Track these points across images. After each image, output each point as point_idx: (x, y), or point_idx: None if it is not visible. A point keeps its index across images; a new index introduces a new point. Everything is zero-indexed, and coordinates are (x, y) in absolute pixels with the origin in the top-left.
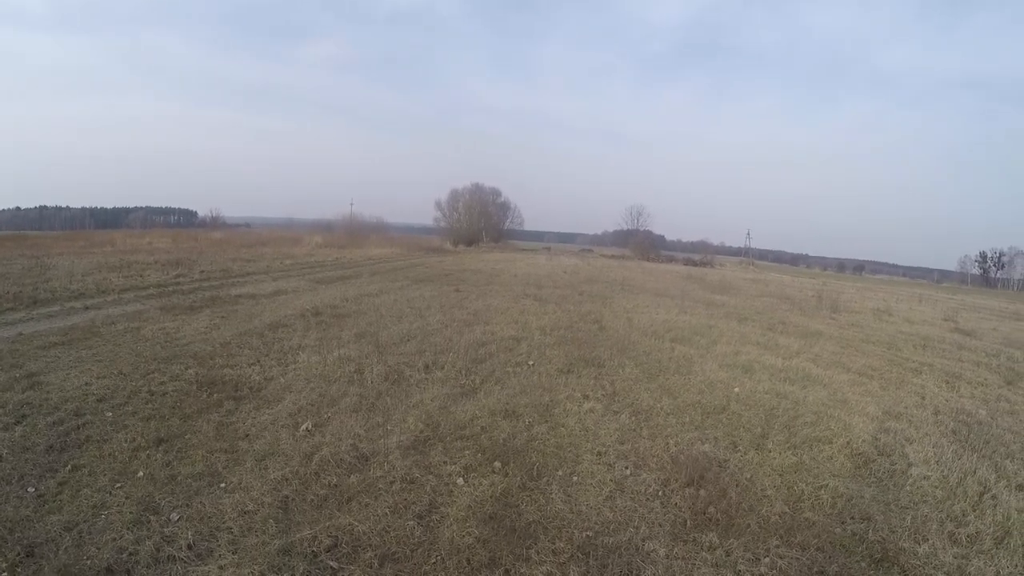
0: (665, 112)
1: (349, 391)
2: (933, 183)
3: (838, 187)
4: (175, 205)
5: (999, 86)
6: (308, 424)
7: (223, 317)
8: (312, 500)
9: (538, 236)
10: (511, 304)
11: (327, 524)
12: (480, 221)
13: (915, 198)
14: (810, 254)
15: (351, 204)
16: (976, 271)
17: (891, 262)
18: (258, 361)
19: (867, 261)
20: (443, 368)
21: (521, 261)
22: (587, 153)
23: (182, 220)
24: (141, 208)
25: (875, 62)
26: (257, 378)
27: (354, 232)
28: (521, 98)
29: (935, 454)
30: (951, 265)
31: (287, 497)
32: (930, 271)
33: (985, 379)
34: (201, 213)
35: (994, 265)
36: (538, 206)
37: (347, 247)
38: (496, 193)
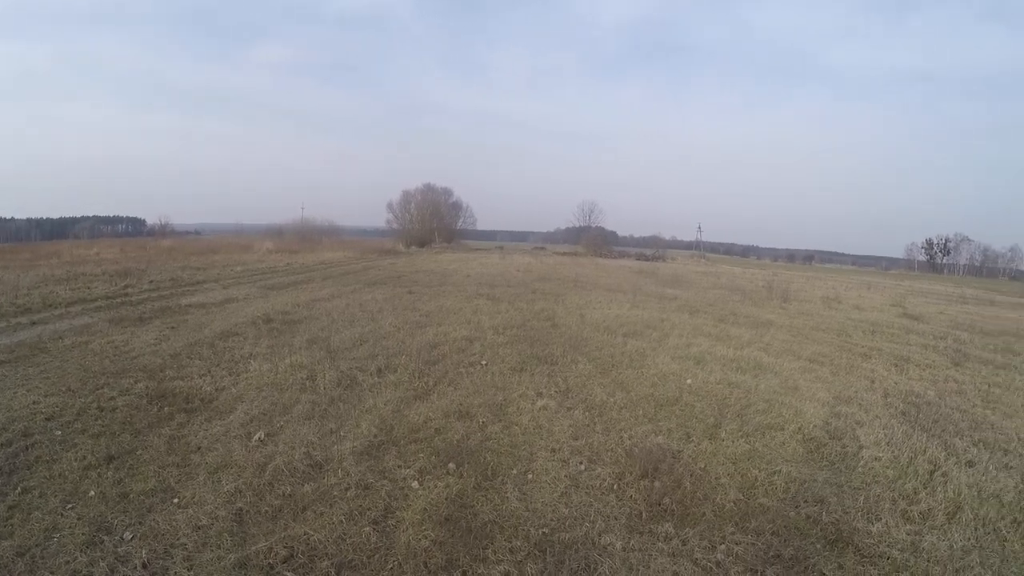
0: (617, 110)
1: (301, 398)
2: (881, 174)
3: (787, 180)
4: (123, 214)
5: (946, 80)
6: (261, 434)
7: (173, 328)
8: (266, 511)
9: (491, 235)
10: (464, 304)
11: (282, 535)
12: (432, 222)
13: (863, 189)
14: (760, 246)
15: (302, 208)
16: (923, 258)
17: (840, 251)
18: (209, 371)
19: (816, 251)
20: (396, 371)
21: (474, 261)
22: (540, 151)
23: (131, 229)
24: (88, 218)
25: (824, 58)
26: (208, 389)
27: (305, 237)
28: (474, 98)
29: (886, 435)
30: (899, 253)
31: (241, 509)
32: (878, 259)
33: (933, 361)
34: (150, 221)
35: (940, 251)
36: (491, 205)
37: (299, 252)
38: (448, 193)
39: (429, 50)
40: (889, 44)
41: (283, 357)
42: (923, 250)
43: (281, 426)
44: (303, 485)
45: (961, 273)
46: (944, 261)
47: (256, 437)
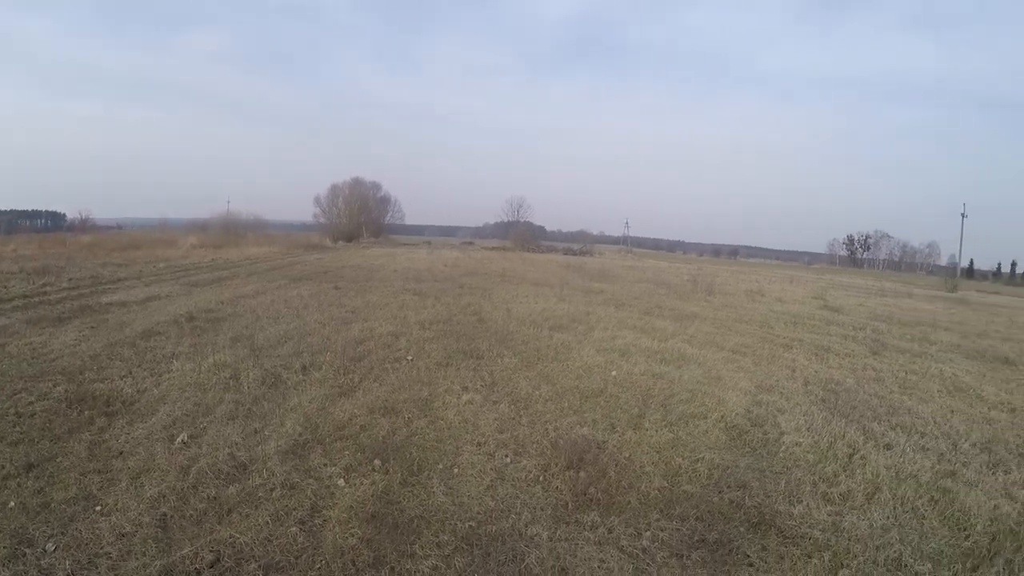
0: (549, 106)
1: (225, 398)
2: (805, 173)
3: (715, 177)
4: (42, 207)
5: (870, 86)
6: (184, 436)
7: (93, 328)
8: (191, 515)
9: (420, 230)
10: (390, 300)
11: (208, 539)
12: (360, 216)
13: (788, 187)
14: (687, 241)
15: (228, 202)
16: (844, 253)
17: (765, 247)
18: (130, 372)
19: (741, 246)
20: (321, 368)
21: (402, 256)
22: (471, 146)
23: (50, 223)
24: (5, 212)
25: (754, 61)
26: (130, 391)
27: (231, 231)
28: (407, 92)
29: (806, 422)
30: (821, 248)
31: (165, 515)
32: (802, 254)
33: (852, 351)
34: (70, 215)
35: (861, 247)
36: (421, 200)
37: (224, 247)
38: (377, 187)
39: (364, 43)
40: (816, 50)
41: (206, 356)
42: (844, 246)
43: (204, 427)
44: (228, 487)
45: (881, 268)
46: (864, 256)
47: (179, 439)
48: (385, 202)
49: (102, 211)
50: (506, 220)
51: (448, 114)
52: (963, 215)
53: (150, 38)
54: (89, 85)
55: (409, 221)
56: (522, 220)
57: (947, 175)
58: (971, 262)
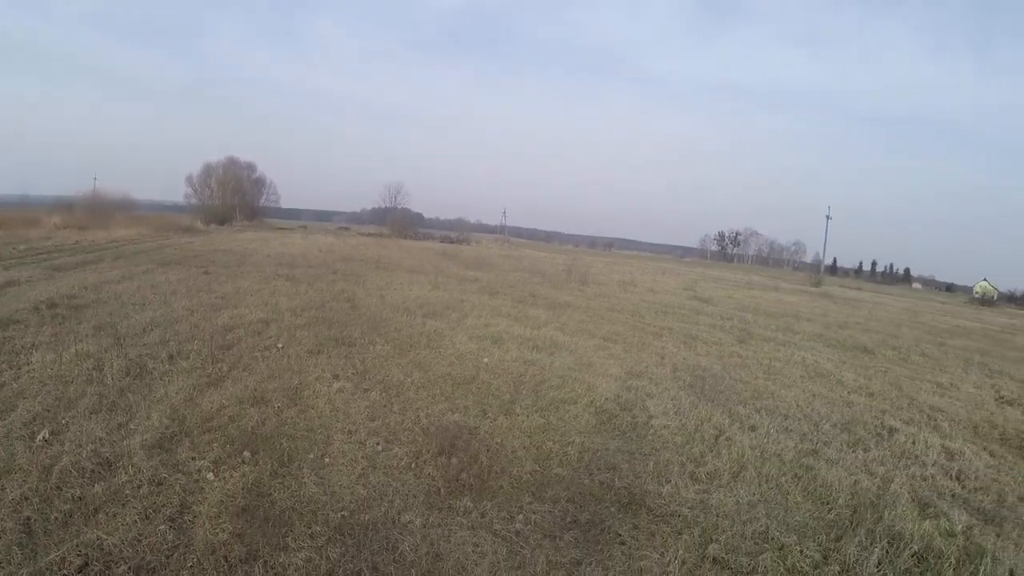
0: (434, 94)
1: (88, 391)
2: (682, 171)
3: (595, 172)
4: None
5: (752, 94)
6: (45, 432)
7: None
8: (56, 518)
9: (295, 214)
10: (262, 286)
11: (75, 542)
12: (234, 198)
13: (665, 184)
14: (563, 232)
15: (95, 179)
16: (715, 248)
17: (639, 240)
18: None
19: (617, 239)
20: (189, 357)
21: (275, 240)
22: (354, 130)
23: None
24: None
25: (644, 63)
26: None
27: (98, 212)
28: (289, 71)
29: (674, 406)
30: (694, 243)
31: (29, 518)
32: (675, 248)
33: (720, 339)
34: None
35: (731, 243)
36: (299, 183)
37: (90, 228)
38: (251, 168)
39: (247, 15)
40: (703, 57)
41: (68, 346)
42: (716, 241)
43: (67, 423)
44: (93, 486)
45: (750, 263)
46: (734, 251)
47: (40, 436)
48: (260, 184)
49: None
50: (384, 206)
51: (330, 96)
52: (828, 217)
53: None
54: None
55: (285, 204)
56: (400, 206)
57: (814, 180)
58: (834, 260)
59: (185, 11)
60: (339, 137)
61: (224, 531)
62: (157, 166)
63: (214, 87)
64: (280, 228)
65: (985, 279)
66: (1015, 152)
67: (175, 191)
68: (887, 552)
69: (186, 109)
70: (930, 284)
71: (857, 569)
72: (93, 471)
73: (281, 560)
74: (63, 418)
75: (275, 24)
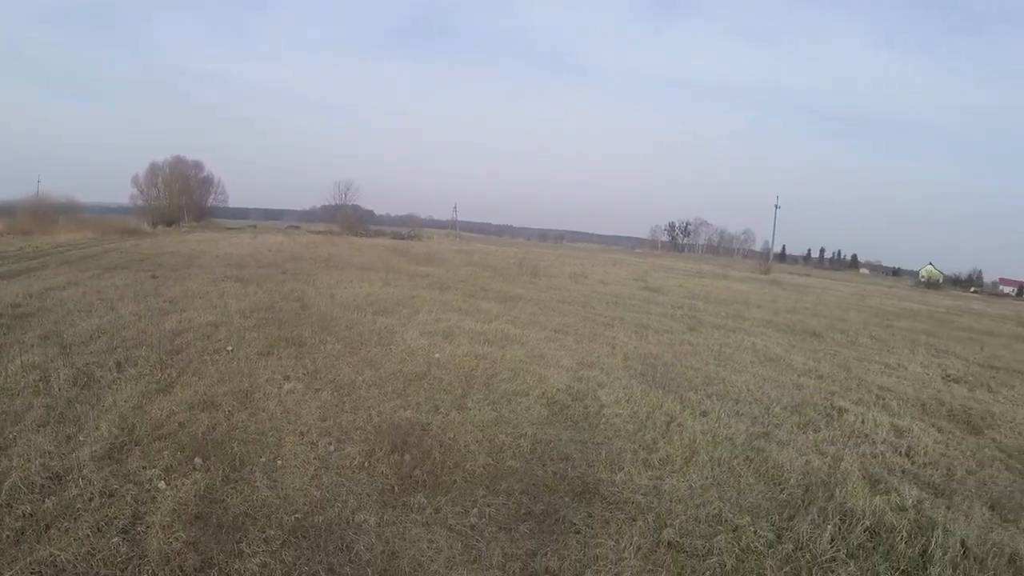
0: (383, 87)
1: (35, 403)
2: (633, 164)
3: (545, 165)
4: None
5: (699, 88)
6: None
7: None
8: (8, 536)
9: (244, 213)
10: (210, 288)
11: (28, 560)
12: (181, 198)
13: (616, 176)
14: (515, 225)
15: (38, 182)
16: (666, 238)
17: (590, 232)
18: None
19: (568, 231)
20: (137, 364)
21: (224, 241)
22: (303, 126)
23: None
24: None
25: (592, 56)
26: None
27: (41, 216)
28: (239, 68)
29: (625, 394)
30: (644, 234)
31: None
32: (626, 239)
33: (671, 327)
34: None
35: (681, 233)
36: (248, 182)
37: (33, 233)
38: (199, 167)
39: (195, 12)
40: (652, 50)
41: (13, 357)
42: (666, 231)
43: (14, 437)
44: (44, 501)
45: (700, 252)
46: (685, 242)
47: None
48: (208, 183)
49: None
50: (334, 203)
51: (278, 91)
52: (776, 206)
53: None
54: None
55: (234, 204)
56: (350, 203)
57: (764, 171)
58: (784, 248)
59: (127, 3)
60: (288, 134)
61: (178, 540)
62: (102, 166)
63: (159, 83)
64: (229, 228)
65: (931, 264)
66: (958, 143)
67: (121, 192)
68: (839, 529)
69: (130, 106)
70: (877, 269)
71: (810, 546)
72: (43, 486)
73: (236, 567)
74: (10, 432)
75: (220, 17)
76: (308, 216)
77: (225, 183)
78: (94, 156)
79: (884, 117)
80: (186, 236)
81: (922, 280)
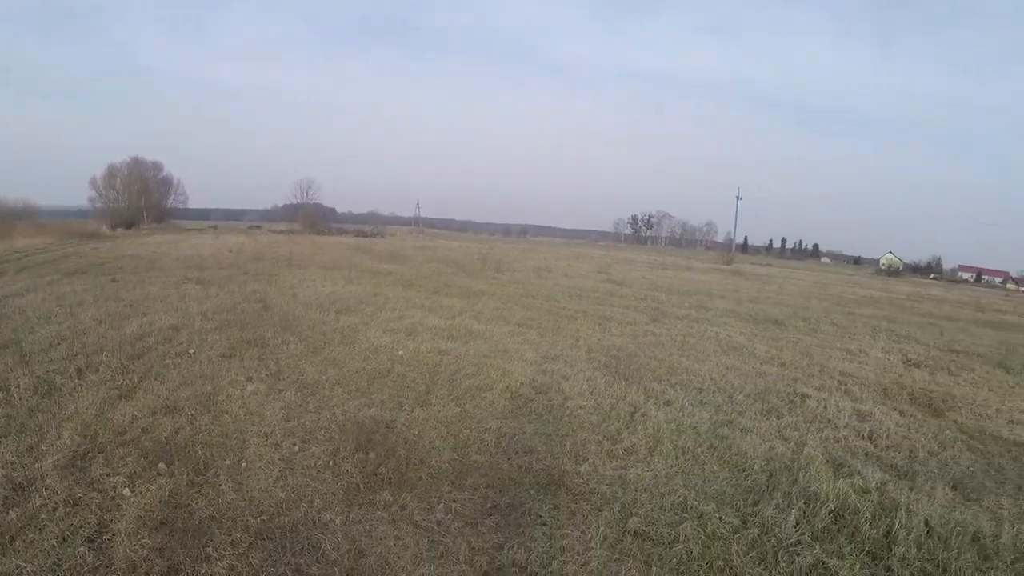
0: (345, 84)
1: None
2: (597, 157)
3: (508, 160)
4: None
5: (665, 81)
6: None
7: None
8: None
9: (205, 214)
10: (171, 291)
11: None
12: (140, 200)
13: (579, 170)
14: (478, 221)
15: None
16: (629, 231)
17: (554, 226)
18: None
19: (531, 226)
20: (98, 370)
21: (184, 243)
22: (262, 124)
23: None
24: None
25: (554, 50)
26: None
27: None
28: (200, 67)
29: (589, 386)
30: (608, 227)
31: None
32: (589, 233)
33: (634, 319)
34: None
35: (644, 225)
36: (208, 182)
37: None
38: (158, 168)
39: (151, 9)
40: (614, 44)
41: None
42: (629, 224)
43: None
44: (8, 513)
45: (663, 244)
46: (648, 234)
47: None
48: (167, 184)
49: None
50: (295, 202)
51: (237, 88)
52: (738, 197)
53: None
54: None
55: (194, 204)
56: (311, 202)
57: (726, 163)
58: (746, 239)
59: (87, 2)
60: (248, 132)
61: (144, 547)
62: (58, 169)
63: (119, 83)
64: (190, 229)
65: (891, 252)
66: (915, 134)
67: (79, 195)
68: (804, 512)
69: (85, 106)
70: (838, 258)
71: (776, 531)
72: (6, 497)
73: (203, 571)
74: None
75: (181, 16)
76: (270, 215)
77: (185, 183)
78: (52, 157)
79: (845, 109)
80: (146, 238)
81: (883, 268)
